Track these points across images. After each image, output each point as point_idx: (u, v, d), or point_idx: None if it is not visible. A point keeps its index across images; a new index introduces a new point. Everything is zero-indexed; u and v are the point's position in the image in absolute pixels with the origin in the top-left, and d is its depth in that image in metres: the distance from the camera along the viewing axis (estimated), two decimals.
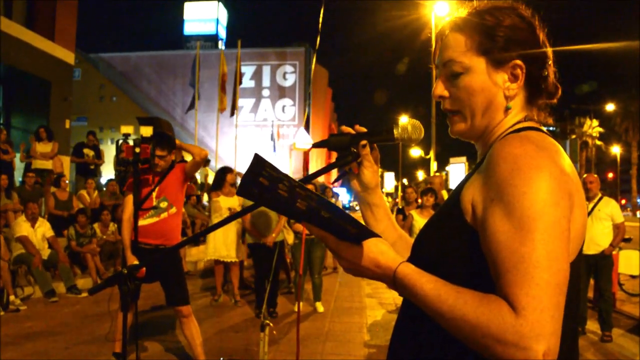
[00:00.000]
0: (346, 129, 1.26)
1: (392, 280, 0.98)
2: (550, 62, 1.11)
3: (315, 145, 1.31)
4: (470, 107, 1.10)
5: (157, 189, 4.05)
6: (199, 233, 1.60)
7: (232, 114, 16.79)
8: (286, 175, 0.93)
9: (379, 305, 7.35)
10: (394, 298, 7.41)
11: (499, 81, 1.08)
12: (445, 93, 1.14)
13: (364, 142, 1.23)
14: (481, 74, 1.08)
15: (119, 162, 11.82)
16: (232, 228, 7.22)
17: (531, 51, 1.07)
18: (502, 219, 0.89)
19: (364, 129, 1.25)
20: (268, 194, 0.95)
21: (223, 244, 7.19)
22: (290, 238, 7.21)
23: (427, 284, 0.93)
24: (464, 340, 0.87)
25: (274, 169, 0.92)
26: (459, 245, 1.00)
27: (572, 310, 0.98)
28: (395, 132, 1.23)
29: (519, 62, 1.06)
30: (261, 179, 0.93)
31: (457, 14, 1.14)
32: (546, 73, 1.09)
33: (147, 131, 3.77)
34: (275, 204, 1.01)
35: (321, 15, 14.58)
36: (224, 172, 7.39)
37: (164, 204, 4.07)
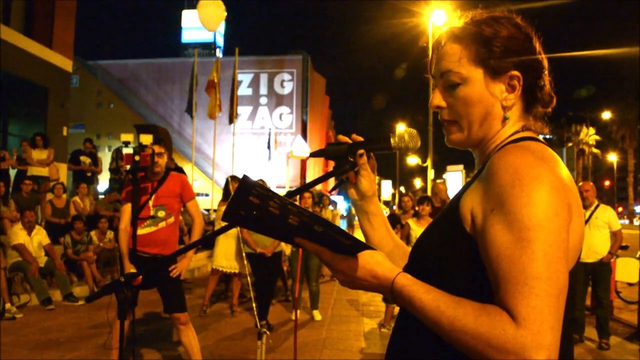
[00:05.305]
0: (343, 138, 1.26)
1: (390, 291, 0.98)
2: (546, 71, 1.11)
3: (313, 155, 1.31)
4: (467, 118, 1.10)
5: (153, 197, 4.04)
6: (196, 241, 1.60)
7: (230, 121, 16.74)
8: (276, 193, 0.93)
9: (376, 313, 7.33)
10: None
11: (497, 92, 1.08)
12: (443, 103, 1.13)
13: (361, 151, 1.23)
14: (479, 85, 1.07)
15: (112, 171, 11.78)
16: (232, 238, 7.10)
17: (528, 58, 1.07)
18: (502, 230, 0.89)
19: (360, 138, 1.26)
20: (259, 213, 0.95)
21: (222, 255, 7.15)
22: (287, 249, 7.17)
23: (426, 294, 0.92)
24: (464, 350, 0.87)
25: (263, 188, 0.92)
26: (458, 254, 0.99)
27: (567, 317, 0.99)
28: (392, 141, 1.23)
29: (516, 72, 1.06)
30: (251, 197, 0.92)
31: (454, 24, 1.14)
32: (542, 83, 1.10)
33: (146, 139, 3.77)
34: (267, 223, 1.01)
35: None
36: (227, 182, 7.15)
37: (161, 213, 4.04)
